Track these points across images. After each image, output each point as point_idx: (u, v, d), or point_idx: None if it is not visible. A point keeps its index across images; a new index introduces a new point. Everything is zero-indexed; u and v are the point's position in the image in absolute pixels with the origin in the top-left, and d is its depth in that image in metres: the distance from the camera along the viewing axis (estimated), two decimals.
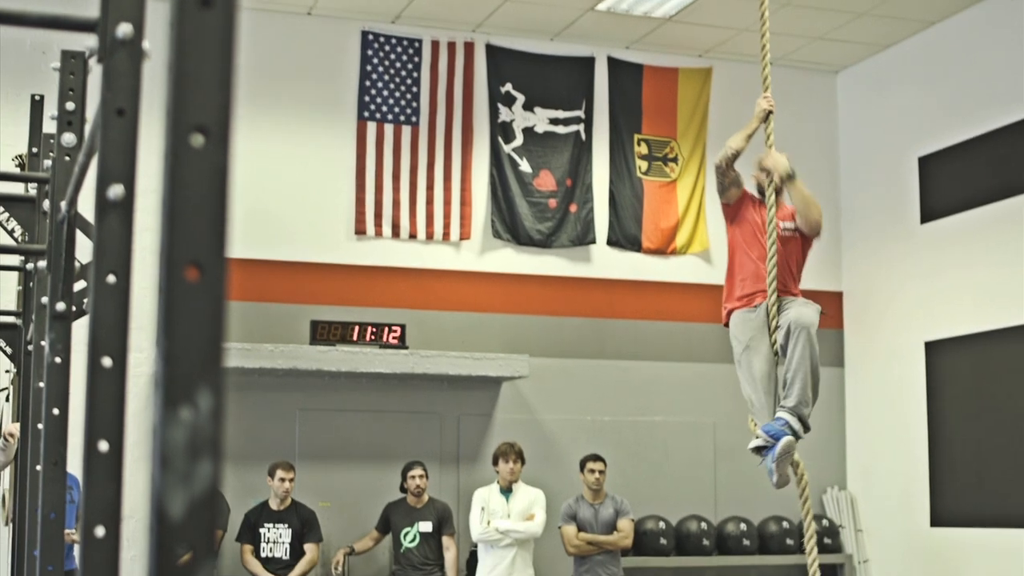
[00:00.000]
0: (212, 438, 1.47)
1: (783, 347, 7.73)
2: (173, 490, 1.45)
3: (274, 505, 11.81)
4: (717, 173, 8.04)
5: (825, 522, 13.84)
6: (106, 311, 2.66)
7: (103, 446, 2.60)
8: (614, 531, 11.77)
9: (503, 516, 11.55)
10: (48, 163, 5.67)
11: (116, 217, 2.66)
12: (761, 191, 8.04)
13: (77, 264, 5.18)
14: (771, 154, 7.92)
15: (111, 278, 2.70)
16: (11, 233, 7.30)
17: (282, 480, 11.72)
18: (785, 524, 13.38)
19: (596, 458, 11.99)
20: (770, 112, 7.94)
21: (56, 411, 4.44)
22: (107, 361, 2.65)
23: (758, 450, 7.71)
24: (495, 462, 11.76)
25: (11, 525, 9.98)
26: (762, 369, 7.75)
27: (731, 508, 13.56)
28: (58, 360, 4.54)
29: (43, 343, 5.01)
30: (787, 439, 7.53)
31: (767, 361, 7.76)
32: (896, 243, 13.88)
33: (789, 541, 13.40)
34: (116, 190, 2.64)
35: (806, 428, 7.65)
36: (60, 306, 4.73)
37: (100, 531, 2.58)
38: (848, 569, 13.72)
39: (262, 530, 11.77)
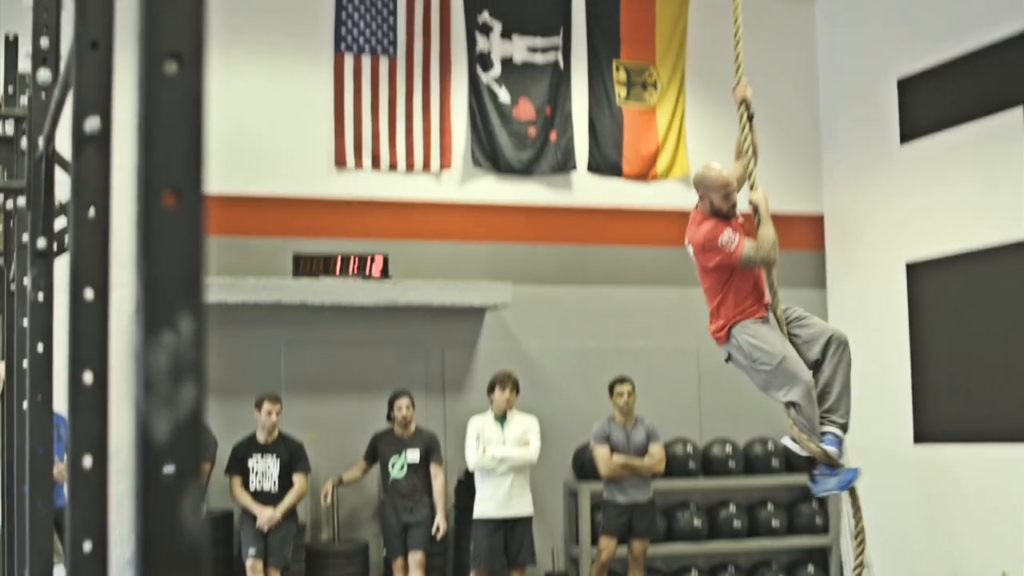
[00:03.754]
0: (195, 361, 1.48)
1: (818, 360, 7.75)
2: (158, 413, 1.47)
3: (261, 437, 11.86)
4: (773, 263, 7.83)
5: None
6: (86, 243, 2.67)
7: (87, 377, 2.62)
8: (645, 455, 11.87)
9: (499, 444, 11.61)
10: (24, 101, 5.66)
11: (93, 149, 2.67)
12: (717, 212, 7.90)
13: (57, 204, 5.19)
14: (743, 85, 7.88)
15: (90, 211, 2.71)
16: None
17: (269, 413, 11.76)
18: (770, 446, 13.49)
19: (623, 380, 12.04)
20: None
21: (40, 347, 4.46)
22: (89, 293, 2.66)
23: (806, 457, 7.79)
24: (490, 390, 11.80)
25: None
26: (812, 379, 7.67)
27: (716, 430, 13.66)
28: (41, 297, 4.55)
29: (25, 281, 5.02)
30: (858, 473, 7.87)
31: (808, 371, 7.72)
32: (876, 165, 13.90)
33: (774, 462, 13.51)
34: (92, 123, 2.65)
35: None
36: (41, 243, 4.74)
37: (87, 461, 2.60)
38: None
39: (250, 462, 11.82)
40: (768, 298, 7.85)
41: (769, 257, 7.72)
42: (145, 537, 1.47)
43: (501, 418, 11.75)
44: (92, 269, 2.67)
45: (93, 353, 2.62)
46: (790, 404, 7.63)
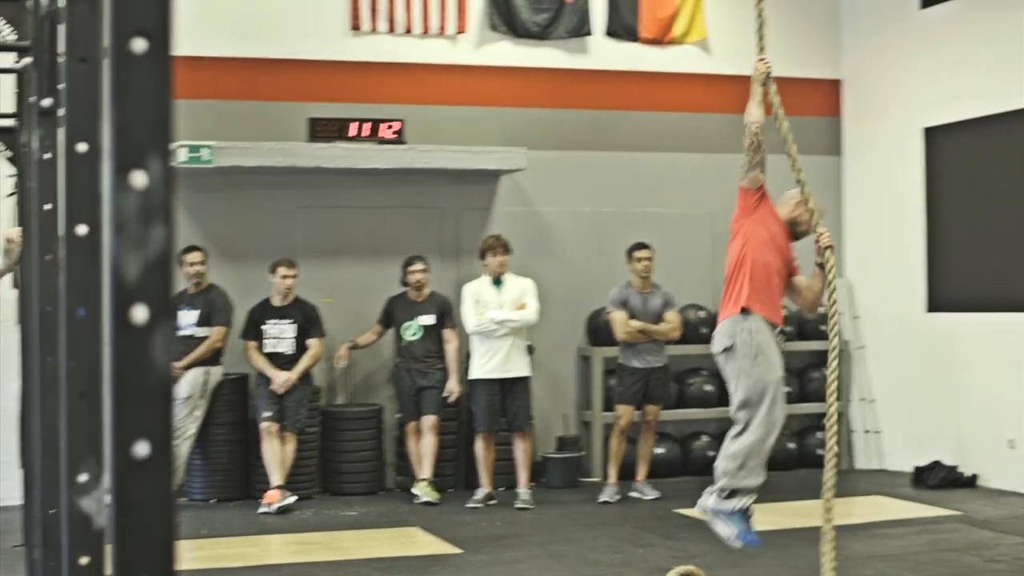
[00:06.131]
0: (164, 203, 1.51)
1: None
2: (128, 254, 1.50)
3: (276, 302, 11.95)
4: (749, 150, 7.36)
5: (822, 309, 13.98)
6: (79, 96, 2.69)
7: (81, 230, 2.66)
8: (661, 321, 11.96)
9: (497, 307, 11.69)
10: None
11: (84, 2, 2.68)
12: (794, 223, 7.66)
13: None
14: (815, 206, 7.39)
15: (82, 64, 2.72)
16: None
17: (284, 277, 11.84)
18: (783, 312, 13.52)
19: (642, 246, 12.07)
20: (768, 74, 7.35)
21: (48, 206, 4.49)
22: (82, 146, 2.69)
23: (730, 496, 7.36)
24: (482, 256, 11.85)
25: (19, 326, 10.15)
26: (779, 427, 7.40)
27: None
28: (47, 156, 4.57)
29: (33, 141, 5.05)
30: (748, 543, 7.42)
31: None
32: (896, 29, 13.76)
33: (786, 329, 13.55)
34: None
35: None
36: (46, 102, 4.75)
37: (81, 311, 2.65)
38: (845, 355, 13.91)
39: (265, 326, 11.93)
40: (781, 319, 7.61)
41: (744, 119, 7.44)
42: (118, 375, 1.51)
43: (497, 282, 11.82)
44: (84, 123, 2.69)
45: (86, 206, 2.65)
46: (735, 436, 7.33)
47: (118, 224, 1.51)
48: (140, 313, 1.51)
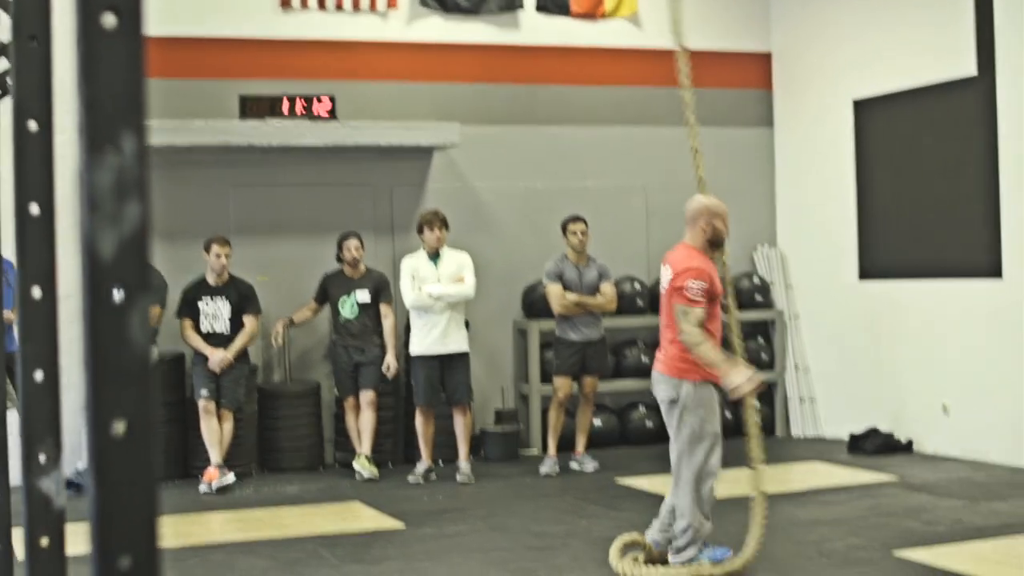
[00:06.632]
0: (138, 179, 1.50)
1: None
2: (102, 232, 1.49)
3: (211, 280, 11.88)
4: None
5: (756, 279, 14.10)
6: (28, 75, 2.66)
7: (34, 209, 2.63)
8: (597, 293, 11.97)
9: (434, 282, 11.68)
10: None
11: None
12: (713, 242, 8.00)
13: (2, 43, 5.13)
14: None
15: (32, 42, 2.69)
16: None
17: (218, 255, 11.77)
18: None
19: (577, 219, 12.07)
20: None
21: None
22: (33, 125, 2.66)
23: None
24: (420, 231, 11.83)
25: None
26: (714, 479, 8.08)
27: None
28: None
29: None
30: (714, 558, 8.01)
31: None
32: (824, 1, 13.84)
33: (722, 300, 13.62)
34: None
35: None
36: None
37: (36, 292, 2.62)
38: (779, 324, 14.02)
39: (200, 304, 11.86)
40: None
41: (695, 350, 7.75)
42: (94, 355, 1.50)
43: (434, 256, 11.80)
44: (35, 101, 2.66)
45: (38, 184, 2.63)
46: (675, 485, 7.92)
47: (92, 202, 1.50)
48: (116, 291, 1.50)
